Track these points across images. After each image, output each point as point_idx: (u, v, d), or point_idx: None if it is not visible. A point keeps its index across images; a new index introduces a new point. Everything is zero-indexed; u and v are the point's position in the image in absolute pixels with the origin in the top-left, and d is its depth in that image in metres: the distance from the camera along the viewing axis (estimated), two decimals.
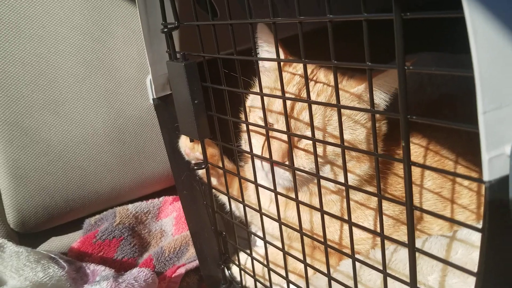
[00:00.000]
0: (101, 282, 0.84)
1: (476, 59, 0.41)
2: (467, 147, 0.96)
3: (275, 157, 0.80)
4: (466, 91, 1.23)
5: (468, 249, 0.80)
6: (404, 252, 0.86)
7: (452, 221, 0.54)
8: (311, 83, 0.87)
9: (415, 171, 0.96)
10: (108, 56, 1.13)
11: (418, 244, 0.85)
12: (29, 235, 1.12)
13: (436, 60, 1.45)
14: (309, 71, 0.89)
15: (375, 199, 0.90)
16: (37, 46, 1.05)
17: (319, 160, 0.84)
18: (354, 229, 0.88)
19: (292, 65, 0.92)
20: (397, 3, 0.48)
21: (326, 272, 0.76)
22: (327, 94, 0.85)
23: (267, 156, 0.79)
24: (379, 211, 0.63)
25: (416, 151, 0.99)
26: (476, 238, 0.82)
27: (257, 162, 0.86)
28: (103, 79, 1.13)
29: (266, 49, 0.91)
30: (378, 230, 0.83)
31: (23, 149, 1.04)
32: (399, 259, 0.85)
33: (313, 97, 0.83)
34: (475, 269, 0.69)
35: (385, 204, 0.90)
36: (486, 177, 0.44)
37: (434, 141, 1.02)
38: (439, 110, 1.20)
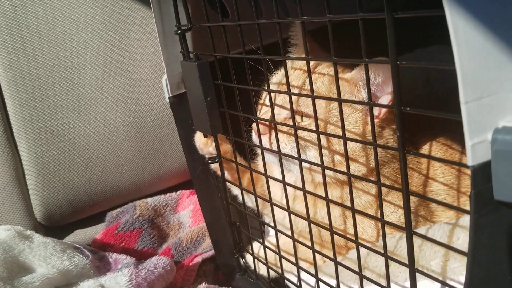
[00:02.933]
0: (122, 269, 0.89)
1: (457, 54, 0.45)
2: None
3: (262, 129, 0.87)
4: None
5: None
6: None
7: (443, 204, 0.58)
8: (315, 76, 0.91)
9: (433, 169, 1.00)
10: (126, 58, 1.19)
11: (421, 231, 0.89)
12: (55, 228, 1.18)
13: (444, 53, 1.47)
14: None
15: (394, 193, 0.94)
16: (60, 50, 1.11)
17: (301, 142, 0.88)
18: (366, 223, 0.92)
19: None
20: (389, 2, 0.52)
21: (332, 257, 0.80)
22: (325, 81, 0.90)
23: None
24: (379, 197, 0.67)
25: (432, 145, 1.03)
26: None
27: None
28: (121, 80, 1.19)
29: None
30: (397, 223, 0.88)
31: (48, 147, 1.11)
32: (404, 245, 0.88)
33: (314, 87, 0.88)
34: None
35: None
36: (470, 162, 0.48)
37: (445, 134, 1.05)
38: (447, 103, 1.22)
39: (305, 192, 0.81)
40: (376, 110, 0.85)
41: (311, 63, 0.94)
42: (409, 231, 0.62)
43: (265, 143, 0.90)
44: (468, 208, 0.96)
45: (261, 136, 0.90)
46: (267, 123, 0.89)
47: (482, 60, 0.46)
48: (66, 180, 1.14)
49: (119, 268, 0.95)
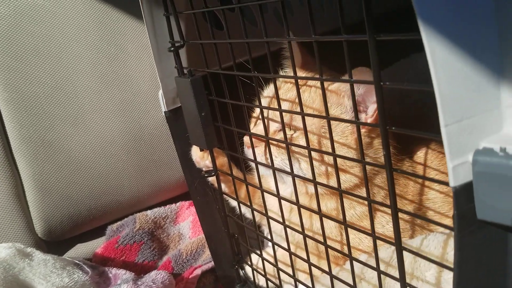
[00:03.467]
0: (121, 285, 0.90)
1: (435, 77, 0.46)
2: None
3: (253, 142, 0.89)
4: None
5: None
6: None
7: (429, 220, 0.58)
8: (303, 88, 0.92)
9: (431, 175, 1.01)
10: (123, 71, 1.20)
11: (417, 241, 0.90)
12: (56, 243, 1.19)
13: None
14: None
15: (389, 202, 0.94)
16: (55, 66, 1.12)
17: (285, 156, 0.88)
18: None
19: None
20: (370, 25, 0.53)
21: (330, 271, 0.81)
22: (312, 93, 0.91)
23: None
24: (369, 213, 0.68)
25: (426, 154, 1.03)
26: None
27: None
28: (118, 92, 1.20)
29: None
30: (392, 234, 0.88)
31: (47, 163, 1.12)
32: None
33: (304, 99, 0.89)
34: None
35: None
36: (452, 183, 0.48)
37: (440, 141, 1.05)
38: None
39: (299, 207, 0.82)
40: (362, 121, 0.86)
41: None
42: (398, 247, 0.63)
43: (258, 156, 0.91)
44: None
45: (250, 148, 0.92)
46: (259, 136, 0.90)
47: (460, 83, 0.46)
48: (65, 195, 1.15)
49: (118, 283, 0.96)
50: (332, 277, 0.81)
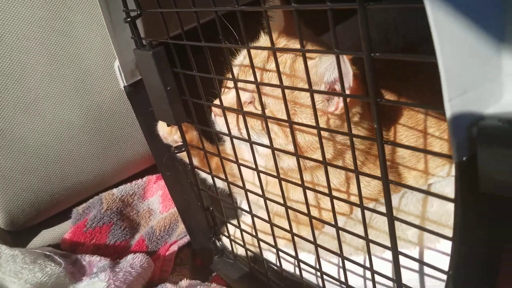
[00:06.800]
0: (99, 274, 0.86)
1: (440, 51, 0.43)
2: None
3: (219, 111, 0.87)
4: (427, 39, 1.25)
5: (443, 201, 0.84)
6: (383, 210, 0.90)
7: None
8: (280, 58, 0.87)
9: (398, 135, 1.00)
10: (74, 47, 1.10)
11: (395, 201, 0.90)
12: (20, 232, 1.13)
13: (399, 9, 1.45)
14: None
15: (366, 166, 0.94)
16: None
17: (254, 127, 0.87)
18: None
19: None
20: None
21: (311, 240, 0.80)
22: (288, 64, 0.86)
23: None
24: (357, 186, 0.66)
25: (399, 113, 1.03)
26: (449, 190, 0.85)
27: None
28: (71, 71, 1.11)
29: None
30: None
31: (0, 151, 1.03)
32: (379, 216, 0.89)
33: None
34: (450, 220, 0.74)
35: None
36: (456, 158, 0.47)
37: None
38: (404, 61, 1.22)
39: (280, 180, 0.79)
40: (333, 106, 0.83)
41: (276, 40, 0.90)
42: (390, 218, 0.63)
43: (223, 124, 0.86)
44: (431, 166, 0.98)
45: (218, 117, 0.89)
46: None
47: (464, 55, 0.45)
48: (24, 183, 1.08)
49: (94, 272, 0.92)
50: (316, 246, 0.81)
